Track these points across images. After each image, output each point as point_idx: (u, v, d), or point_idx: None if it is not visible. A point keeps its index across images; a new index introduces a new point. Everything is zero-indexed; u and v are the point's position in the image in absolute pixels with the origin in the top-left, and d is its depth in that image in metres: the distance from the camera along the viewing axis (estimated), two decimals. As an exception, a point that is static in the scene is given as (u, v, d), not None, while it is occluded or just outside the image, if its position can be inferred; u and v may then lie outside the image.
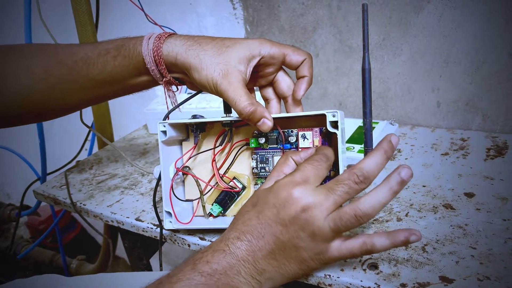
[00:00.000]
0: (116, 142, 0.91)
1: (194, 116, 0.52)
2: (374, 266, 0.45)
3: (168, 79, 0.52)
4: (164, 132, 0.52)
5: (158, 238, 0.57)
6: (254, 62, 0.49)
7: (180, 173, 0.54)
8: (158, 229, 0.57)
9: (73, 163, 0.82)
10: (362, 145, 0.64)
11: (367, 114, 0.50)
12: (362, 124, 0.72)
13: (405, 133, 0.76)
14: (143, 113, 0.89)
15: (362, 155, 0.53)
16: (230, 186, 0.53)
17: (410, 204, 0.55)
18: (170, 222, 0.53)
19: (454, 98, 0.75)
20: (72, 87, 0.55)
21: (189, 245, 0.55)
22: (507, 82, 0.69)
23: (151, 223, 0.59)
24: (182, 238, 0.55)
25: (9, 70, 0.53)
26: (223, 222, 0.52)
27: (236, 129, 0.54)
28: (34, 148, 1.02)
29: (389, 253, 0.47)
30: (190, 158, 0.55)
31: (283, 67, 0.53)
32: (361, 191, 0.41)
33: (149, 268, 0.84)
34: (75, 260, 1.36)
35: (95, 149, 1.02)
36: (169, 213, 0.53)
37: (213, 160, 0.54)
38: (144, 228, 0.59)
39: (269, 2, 0.85)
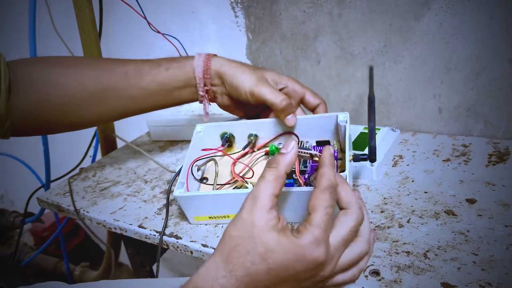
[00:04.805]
0: (119, 149, 0.91)
1: (224, 134, 0.62)
2: (375, 273, 0.45)
3: (209, 88, 0.61)
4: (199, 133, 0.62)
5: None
6: (279, 86, 0.59)
7: (203, 166, 0.62)
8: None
9: (77, 170, 0.82)
10: (362, 151, 0.64)
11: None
12: (363, 131, 0.72)
13: (406, 140, 0.76)
14: (146, 121, 0.90)
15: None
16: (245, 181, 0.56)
17: (411, 210, 0.55)
18: (181, 192, 0.54)
19: (456, 104, 0.75)
20: (121, 95, 0.61)
21: (191, 252, 0.55)
22: (508, 88, 0.69)
23: (154, 230, 0.59)
24: (185, 245, 0.55)
25: (54, 79, 0.59)
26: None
27: (257, 146, 0.61)
28: (38, 156, 1.03)
29: (390, 260, 0.47)
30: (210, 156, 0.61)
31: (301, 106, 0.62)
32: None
33: (152, 275, 0.84)
34: (79, 267, 1.36)
35: (99, 156, 1.02)
36: (182, 183, 0.55)
37: (233, 163, 0.59)
38: (146, 235, 0.59)
39: (270, 10, 0.86)
